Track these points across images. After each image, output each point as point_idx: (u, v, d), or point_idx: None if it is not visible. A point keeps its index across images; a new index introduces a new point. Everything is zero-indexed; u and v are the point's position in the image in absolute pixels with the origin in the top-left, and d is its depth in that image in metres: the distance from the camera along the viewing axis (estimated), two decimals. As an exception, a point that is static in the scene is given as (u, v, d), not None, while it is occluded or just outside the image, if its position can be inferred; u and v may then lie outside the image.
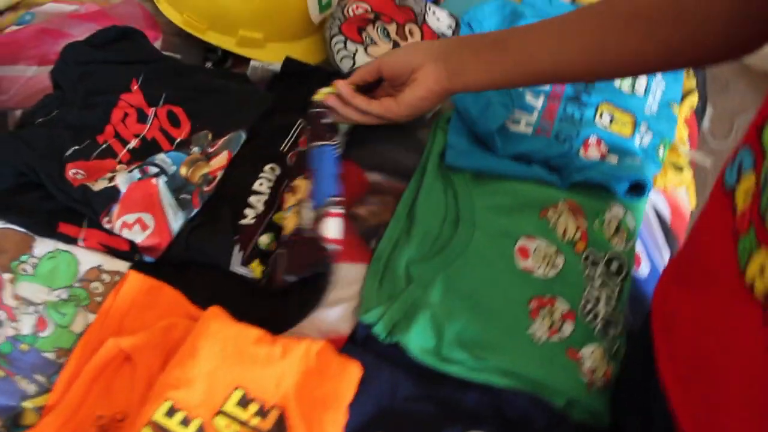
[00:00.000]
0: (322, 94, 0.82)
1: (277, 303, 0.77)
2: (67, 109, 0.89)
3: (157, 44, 0.99)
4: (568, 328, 0.81)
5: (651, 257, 0.95)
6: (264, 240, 0.80)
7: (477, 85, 0.77)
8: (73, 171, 0.82)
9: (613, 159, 0.96)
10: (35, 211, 0.80)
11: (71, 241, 0.79)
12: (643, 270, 0.93)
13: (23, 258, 0.78)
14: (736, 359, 0.52)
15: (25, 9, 1.06)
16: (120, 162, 0.85)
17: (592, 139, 0.96)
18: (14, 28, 1.02)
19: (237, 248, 0.78)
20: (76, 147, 0.85)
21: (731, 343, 0.53)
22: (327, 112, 0.82)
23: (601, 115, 0.99)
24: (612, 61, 0.72)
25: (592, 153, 0.96)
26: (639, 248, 0.94)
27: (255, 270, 0.77)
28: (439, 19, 1.05)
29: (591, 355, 0.79)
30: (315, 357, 0.71)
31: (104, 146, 0.86)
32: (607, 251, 0.88)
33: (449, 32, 1.05)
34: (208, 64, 0.99)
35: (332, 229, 0.75)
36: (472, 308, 0.80)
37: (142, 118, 0.90)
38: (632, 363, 0.78)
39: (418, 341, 0.75)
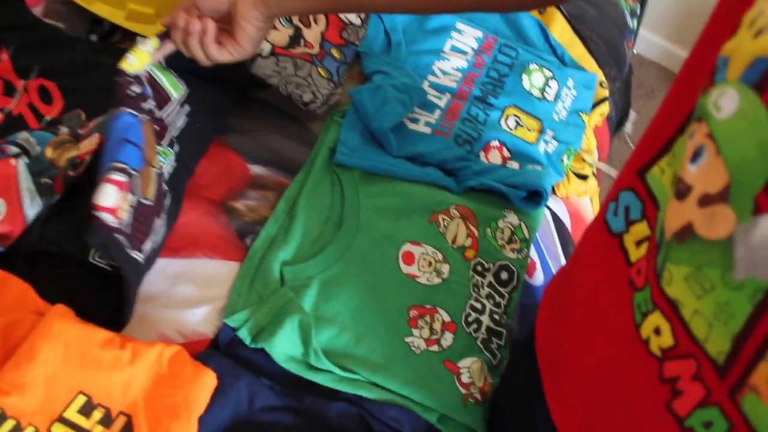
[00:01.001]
0: (140, 60, 0.75)
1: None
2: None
3: (38, 10, 0.92)
4: (448, 338, 0.78)
5: (546, 265, 0.93)
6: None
7: (291, 10, 0.75)
8: None
9: (515, 165, 0.94)
10: None
11: None
12: (537, 278, 0.91)
13: None
14: (636, 415, 0.49)
15: None
16: (-21, 138, 0.79)
17: (495, 143, 0.94)
18: None
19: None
20: (-69, 121, 0.78)
21: (629, 397, 0.49)
22: (134, 81, 0.75)
23: (507, 119, 0.97)
24: None
25: (494, 157, 0.93)
26: (534, 256, 0.92)
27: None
28: (348, 7, 1.00)
29: (470, 368, 0.77)
30: (167, 363, 0.66)
31: (-36, 120, 0.79)
32: (497, 260, 0.86)
33: (358, 21, 1.01)
34: (93, 37, 0.93)
35: (104, 195, 0.66)
36: (349, 315, 0.76)
37: (9, 90, 0.83)
38: (514, 378, 0.76)
39: (283, 347, 0.71)
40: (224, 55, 0.74)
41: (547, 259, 0.93)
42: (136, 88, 0.75)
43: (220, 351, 0.70)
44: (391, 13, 0.76)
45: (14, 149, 0.76)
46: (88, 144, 0.78)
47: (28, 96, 0.83)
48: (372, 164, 0.86)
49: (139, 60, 0.75)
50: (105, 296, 0.72)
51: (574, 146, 0.99)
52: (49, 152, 0.77)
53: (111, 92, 0.82)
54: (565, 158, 0.98)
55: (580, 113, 1.02)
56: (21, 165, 0.75)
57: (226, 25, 0.73)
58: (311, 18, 0.96)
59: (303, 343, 0.72)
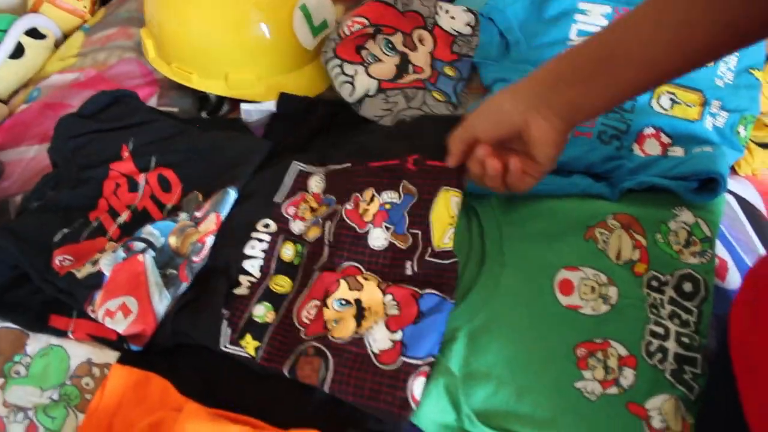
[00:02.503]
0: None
1: (280, 384, 0.68)
2: (60, 189, 0.84)
3: (154, 100, 0.93)
4: (628, 375, 0.65)
5: (742, 262, 0.76)
6: (259, 311, 0.71)
7: (597, 112, 0.66)
8: (60, 258, 0.77)
9: (678, 151, 0.79)
10: (28, 306, 0.76)
11: (62, 334, 0.74)
12: (731, 280, 0.75)
13: (16, 358, 0.73)
14: None
15: (33, 85, 1.04)
16: (111, 239, 0.80)
17: (649, 131, 0.80)
18: (23, 107, 1.00)
19: (225, 324, 0.69)
20: (66, 230, 0.80)
21: None
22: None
23: (659, 99, 0.82)
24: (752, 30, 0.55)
25: (651, 147, 0.79)
26: (724, 254, 0.76)
27: (247, 346, 0.68)
28: (454, 17, 0.91)
29: (661, 408, 0.63)
30: (307, 453, 0.61)
31: (95, 224, 0.81)
32: (676, 269, 0.72)
33: (467, 30, 0.91)
34: (203, 114, 0.92)
35: (419, 390, 0.63)
36: (505, 366, 0.66)
37: (133, 186, 0.84)
38: (713, 403, 0.61)
39: (432, 416, 0.63)
40: (528, 182, 0.66)
41: (740, 255, 0.77)
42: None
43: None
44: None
45: (140, 245, 0.76)
46: (207, 226, 0.76)
47: (150, 188, 0.83)
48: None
49: None
50: (242, 380, 0.69)
51: (751, 112, 0.82)
52: (173, 241, 0.76)
53: (225, 168, 0.81)
54: (741, 129, 0.81)
55: (752, 70, 0.84)
56: (148, 260, 0.74)
57: (518, 144, 0.64)
58: (415, 39, 0.88)
59: (454, 408, 0.63)
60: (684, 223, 0.74)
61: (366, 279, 0.69)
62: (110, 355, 0.73)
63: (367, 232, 0.72)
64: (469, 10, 0.93)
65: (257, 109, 0.87)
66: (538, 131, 0.61)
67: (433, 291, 0.67)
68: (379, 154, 0.76)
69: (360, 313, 0.68)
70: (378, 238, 0.72)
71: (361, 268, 0.71)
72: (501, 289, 0.71)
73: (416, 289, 0.68)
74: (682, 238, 0.73)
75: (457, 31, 0.91)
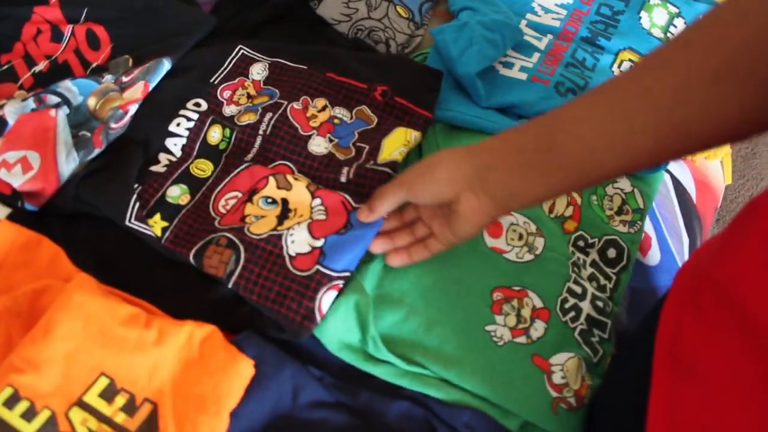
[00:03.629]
0: None
1: (180, 273, 0.64)
2: (-29, 21, 0.75)
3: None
4: (539, 327, 0.65)
5: (664, 241, 0.77)
6: (174, 192, 0.66)
7: (532, 203, 0.57)
8: (-41, 94, 0.69)
9: (628, 119, 0.77)
10: None
11: (-55, 174, 0.67)
12: (652, 256, 0.76)
13: None
14: None
15: None
16: (21, 87, 0.72)
17: (605, 93, 0.78)
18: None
19: (134, 198, 0.64)
20: (-29, 68, 0.71)
21: None
22: None
23: (620, 65, 0.81)
24: (704, 134, 0.47)
25: (603, 110, 0.77)
26: (650, 229, 0.76)
27: (155, 226, 0.64)
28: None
29: (564, 365, 0.63)
30: (198, 345, 0.57)
31: (5, 67, 0.73)
32: (604, 234, 0.71)
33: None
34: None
35: (327, 303, 0.60)
36: (419, 295, 0.64)
37: (56, 36, 0.76)
38: (620, 380, 0.61)
39: (336, 333, 0.60)
40: (433, 246, 0.63)
41: (665, 234, 0.77)
42: None
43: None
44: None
45: (54, 99, 0.69)
46: (132, 93, 0.70)
47: (75, 41, 0.75)
48: (456, 115, 0.73)
49: None
50: (140, 263, 0.64)
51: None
52: (92, 102, 0.69)
53: (161, 36, 0.74)
54: (693, 112, 0.81)
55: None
56: (61, 116, 0.68)
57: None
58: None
59: (360, 329, 0.61)
60: (621, 189, 0.73)
61: (296, 179, 0.65)
62: (0, 210, 0.66)
63: (309, 136, 0.68)
64: None
65: (210, -18, 0.80)
66: (467, 209, 0.57)
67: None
68: (343, 71, 0.71)
69: (284, 214, 0.64)
70: (318, 146, 0.68)
71: (294, 168, 0.67)
72: (429, 219, 0.68)
73: (348, 197, 0.64)
74: (615, 205, 0.73)
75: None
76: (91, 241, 0.65)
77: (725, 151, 0.85)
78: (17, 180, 0.64)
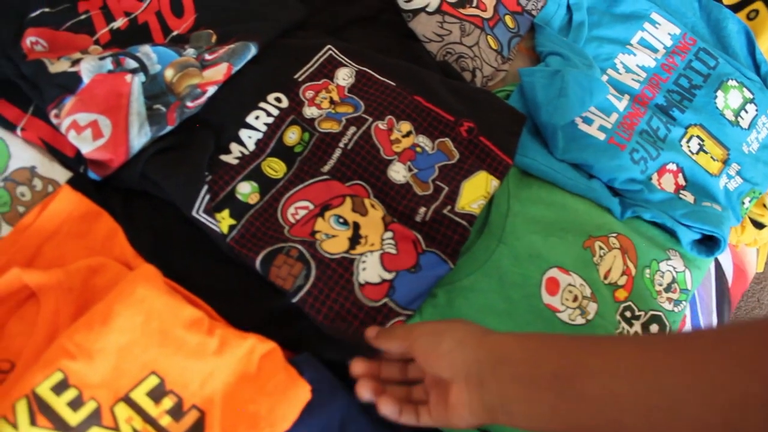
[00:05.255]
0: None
1: (237, 273, 0.61)
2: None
3: None
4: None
5: (697, 321, 0.78)
6: (244, 189, 0.63)
7: (523, 426, 0.48)
8: (32, 39, 0.65)
9: (688, 197, 0.78)
10: (-29, 74, 0.64)
11: (8, 126, 0.63)
12: (683, 335, 0.77)
13: (-57, 131, 0.62)
14: None
15: None
16: (97, 42, 0.68)
17: (671, 167, 0.78)
18: None
19: (205, 189, 0.61)
20: (46, 9, 0.67)
21: None
22: None
23: (689, 140, 0.81)
24: None
25: (666, 183, 0.78)
26: (686, 308, 0.77)
27: (222, 222, 0.61)
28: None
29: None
30: (258, 361, 0.56)
31: (83, 17, 0.69)
32: (650, 309, 0.72)
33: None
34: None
35: None
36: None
37: (139, -7, 0.72)
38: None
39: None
40: (424, 417, 0.54)
41: (698, 315, 0.79)
42: None
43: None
44: None
45: (132, 63, 0.65)
46: (214, 74, 0.67)
47: (158, 3, 0.71)
48: (531, 163, 0.72)
49: None
50: (198, 254, 0.62)
51: (761, 188, 0.83)
52: (169, 74, 0.66)
53: (248, 16, 0.71)
54: (746, 200, 0.82)
55: (777, 150, 0.85)
56: (136, 83, 0.64)
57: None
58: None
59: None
60: (673, 268, 0.74)
61: (373, 207, 0.64)
62: (59, 172, 0.63)
63: (390, 161, 0.66)
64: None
65: (304, -30, 0.76)
66: (456, 401, 0.50)
67: (435, 250, 0.63)
68: (431, 96, 0.70)
69: (356, 239, 0.62)
70: (398, 173, 0.66)
71: (370, 191, 0.65)
72: (491, 264, 0.68)
73: (420, 238, 0.63)
74: (666, 281, 0.73)
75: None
76: (150, 222, 0.62)
77: (765, 242, 0.86)
78: (86, 146, 0.60)
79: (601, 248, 0.71)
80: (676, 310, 0.73)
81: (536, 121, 0.74)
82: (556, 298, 0.68)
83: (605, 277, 0.71)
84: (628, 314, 0.71)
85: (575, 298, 0.68)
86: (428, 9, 0.75)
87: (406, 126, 0.68)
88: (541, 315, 0.67)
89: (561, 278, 0.69)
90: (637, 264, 0.73)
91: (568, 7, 0.85)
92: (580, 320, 0.68)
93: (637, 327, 0.71)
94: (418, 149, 0.68)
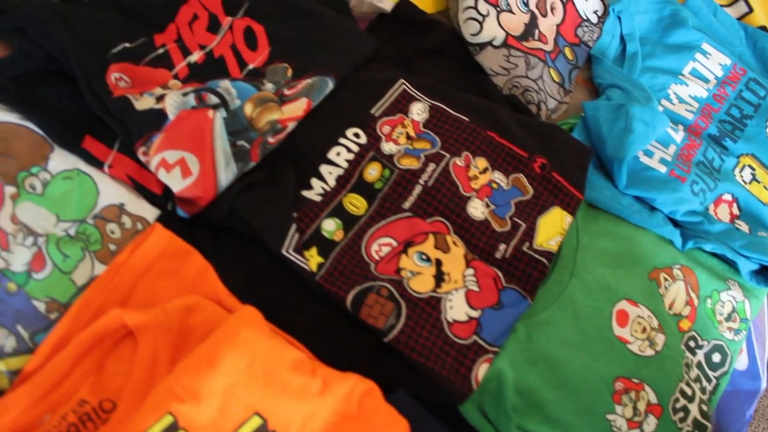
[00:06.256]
0: None
1: (326, 311, 0.62)
2: (125, -11, 0.71)
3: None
4: (651, 423, 0.67)
5: (752, 349, 0.80)
6: (329, 226, 0.64)
7: None
8: (116, 75, 0.65)
9: (743, 226, 0.80)
10: (59, 111, 0.64)
11: (96, 163, 0.63)
12: (741, 362, 0.79)
13: (34, 170, 0.62)
14: None
15: None
16: (176, 77, 0.68)
17: (727, 197, 0.80)
18: None
19: (294, 228, 0.62)
20: (127, 44, 0.67)
21: None
22: None
23: (741, 169, 0.83)
24: None
25: (722, 213, 0.80)
26: (741, 336, 0.79)
27: (311, 260, 0.62)
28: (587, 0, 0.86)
29: (668, 463, 0.66)
30: (358, 400, 0.57)
31: (161, 51, 0.69)
32: (712, 338, 0.74)
33: (594, 18, 0.86)
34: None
35: (482, 373, 0.61)
36: (549, 372, 0.65)
37: (213, 26, 0.72)
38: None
39: (473, 401, 0.61)
40: None
41: (753, 342, 0.81)
42: None
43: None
44: None
45: (214, 99, 0.66)
46: (293, 109, 0.68)
47: (232, 36, 0.72)
48: (597, 197, 0.74)
49: None
50: (288, 292, 0.63)
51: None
52: (249, 109, 0.67)
53: (323, 50, 0.72)
54: (798, 229, 0.84)
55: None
56: (218, 119, 0.65)
57: None
58: (548, 5, 0.82)
59: (496, 400, 0.61)
60: (733, 298, 0.76)
61: (455, 244, 0.65)
62: (147, 209, 0.63)
63: (468, 198, 0.68)
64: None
65: (372, 2, 0.77)
66: None
67: (515, 287, 0.65)
68: (504, 132, 0.71)
69: (440, 276, 0.64)
70: (476, 209, 0.67)
71: (450, 228, 0.66)
72: (565, 297, 0.69)
73: (500, 274, 0.65)
74: (726, 311, 0.75)
75: (586, 16, 0.86)
76: (238, 259, 0.63)
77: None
78: (177, 184, 0.61)
79: (665, 280, 0.73)
80: (736, 339, 0.75)
81: (601, 155, 0.75)
82: (626, 329, 0.70)
83: (670, 308, 0.73)
84: (692, 344, 0.73)
85: (644, 330, 0.70)
86: (494, 43, 0.76)
87: (482, 162, 0.69)
88: (614, 347, 0.69)
89: (630, 310, 0.71)
90: (699, 294, 0.74)
91: (622, 38, 0.87)
92: (649, 351, 0.69)
93: (700, 356, 0.73)
94: (494, 185, 0.69)
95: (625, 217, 0.74)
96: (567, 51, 0.82)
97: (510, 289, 0.65)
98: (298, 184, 0.66)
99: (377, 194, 0.67)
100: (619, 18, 0.87)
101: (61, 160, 0.63)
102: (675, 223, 0.77)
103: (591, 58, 0.85)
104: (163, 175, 0.61)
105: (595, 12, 0.87)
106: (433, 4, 0.83)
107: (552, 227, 0.69)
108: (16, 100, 0.63)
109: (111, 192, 0.63)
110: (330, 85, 0.69)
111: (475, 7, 0.77)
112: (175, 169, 0.62)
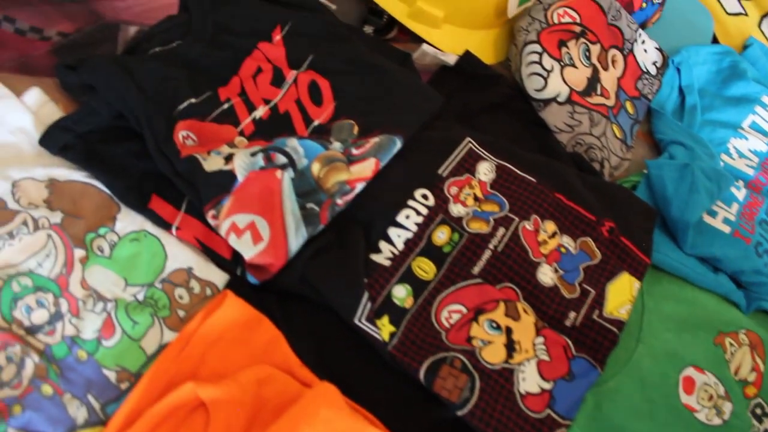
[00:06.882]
0: None
1: (398, 382, 0.61)
2: (191, 43, 0.70)
3: (310, -17, 0.79)
4: (719, 497, 0.66)
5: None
6: (400, 293, 0.63)
7: None
8: (184, 133, 0.64)
9: (806, 284, 0.79)
10: (126, 170, 0.63)
11: (163, 224, 0.62)
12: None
13: (102, 231, 0.61)
14: None
15: None
16: (241, 134, 0.67)
17: (788, 255, 0.79)
18: None
19: (366, 296, 0.61)
20: (193, 100, 0.66)
21: None
22: None
23: (805, 229, 0.82)
24: None
25: (784, 271, 0.79)
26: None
27: (383, 329, 0.61)
28: (647, 51, 0.85)
29: None
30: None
31: (226, 106, 0.68)
32: (777, 405, 0.73)
33: (653, 70, 0.85)
34: (368, 29, 0.80)
35: None
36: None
37: (277, 79, 0.71)
38: None
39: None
40: None
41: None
42: None
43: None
44: None
45: (282, 158, 0.65)
46: (362, 170, 0.66)
47: (296, 90, 0.71)
48: (664, 258, 0.73)
49: None
50: (361, 362, 0.62)
51: None
52: (316, 168, 0.66)
53: (390, 107, 0.71)
54: None
55: None
56: (286, 180, 0.64)
57: None
58: (609, 58, 0.81)
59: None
60: (798, 362, 0.75)
61: (525, 312, 0.64)
62: (216, 274, 0.62)
63: (538, 263, 0.67)
64: (660, 51, 0.87)
65: (436, 54, 0.76)
66: None
67: (586, 356, 0.64)
68: (571, 194, 0.70)
69: (511, 346, 0.62)
70: (545, 275, 0.66)
71: (519, 294, 0.65)
72: (632, 364, 0.68)
73: (570, 343, 0.64)
74: (790, 376, 0.74)
75: (644, 67, 0.85)
76: (309, 327, 0.62)
77: None
78: (248, 251, 0.60)
79: (731, 345, 0.72)
80: (800, 404, 0.74)
81: (665, 215, 0.74)
82: (692, 397, 0.69)
83: (735, 374, 0.72)
84: (758, 411, 0.72)
85: (710, 398, 0.69)
86: (559, 99, 0.75)
87: (551, 226, 0.68)
88: (681, 416, 0.67)
89: (696, 377, 0.69)
90: (765, 359, 0.73)
91: (680, 90, 0.86)
92: (716, 420, 0.68)
93: (766, 425, 0.72)
94: (562, 249, 0.68)
95: (690, 278, 0.73)
96: (628, 105, 0.81)
97: (580, 358, 0.64)
98: (367, 246, 0.65)
99: (446, 258, 0.66)
100: (678, 69, 0.86)
101: (128, 220, 0.62)
102: (739, 285, 0.76)
103: (651, 111, 0.84)
104: (234, 241, 0.60)
105: (654, 63, 0.86)
106: (494, 55, 0.82)
107: (621, 294, 0.68)
108: (83, 159, 0.62)
109: (179, 255, 0.62)
110: (398, 144, 0.68)
111: (540, 62, 0.76)
112: (246, 234, 0.60)
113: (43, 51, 0.68)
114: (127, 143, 0.64)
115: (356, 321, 0.60)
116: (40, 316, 0.56)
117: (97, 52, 0.69)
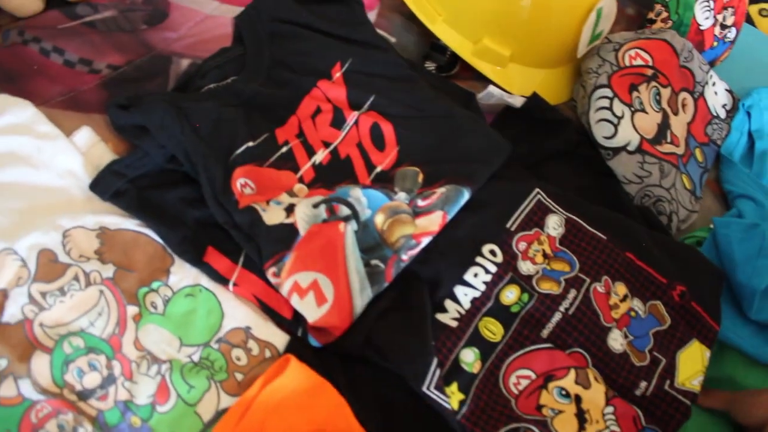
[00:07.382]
0: None
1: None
2: (246, 79, 0.66)
3: (371, 15, 0.75)
4: None
5: None
6: (468, 357, 0.60)
7: None
8: (242, 181, 0.60)
9: None
10: (180, 218, 0.59)
11: (219, 279, 0.59)
12: None
13: (155, 285, 0.57)
14: None
15: None
16: (301, 180, 0.64)
17: None
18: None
19: (435, 363, 0.57)
20: (250, 143, 0.63)
21: None
22: None
23: None
24: None
25: None
26: None
27: (452, 398, 0.57)
28: (717, 93, 0.81)
29: None
30: None
31: (284, 150, 0.64)
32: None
33: (722, 113, 0.82)
34: (429, 65, 0.76)
35: None
36: None
37: (338, 121, 0.67)
38: None
39: None
40: None
41: None
42: None
43: None
44: None
45: (345, 210, 0.61)
46: (428, 223, 0.63)
47: (358, 133, 0.67)
48: (725, 330, 0.69)
49: None
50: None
51: None
52: (380, 220, 0.62)
53: (456, 155, 0.67)
54: None
55: None
56: (350, 234, 0.60)
57: None
58: (679, 102, 0.77)
59: None
60: None
61: (596, 380, 0.60)
62: (276, 335, 0.59)
63: (609, 328, 0.63)
64: (731, 93, 0.83)
65: (502, 96, 0.72)
66: None
67: (656, 428, 0.60)
68: (642, 253, 0.66)
69: (582, 416, 0.59)
70: (615, 341, 0.63)
71: (589, 361, 0.62)
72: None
73: (640, 413, 0.60)
74: None
75: (714, 110, 0.81)
76: (374, 393, 0.58)
77: None
78: (312, 313, 0.56)
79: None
80: None
81: (730, 278, 0.70)
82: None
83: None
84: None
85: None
86: (629, 148, 0.71)
87: (622, 289, 0.65)
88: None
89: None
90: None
91: (749, 134, 0.82)
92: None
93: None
94: (632, 313, 0.64)
95: (749, 352, 0.70)
96: (698, 152, 0.77)
97: (650, 429, 0.60)
98: (433, 307, 0.61)
99: (514, 319, 0.62)
100: (748, 113, 0.82)
101: (182, 273, 0.58)
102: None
103: (719, 158, 0.80)
104: (296, 302, 0.56)
105: (723, 106, 0.82)
106: (559, 95, 0.78)
107: (693, 364, 0.64)
108: (136, 207, 0.58)
109: (236, 313, 0.58)
110: (466, 196, 0.64)
111: (610, 108, 0.72)
112: (309, 294, 0.57)
113: (93, 85, 0.64)
114: (180, 188, 0.61)
115: (425, 390, 0.57)
116: (92, 380, 0.53)
117: (148, 86, 0.66)
